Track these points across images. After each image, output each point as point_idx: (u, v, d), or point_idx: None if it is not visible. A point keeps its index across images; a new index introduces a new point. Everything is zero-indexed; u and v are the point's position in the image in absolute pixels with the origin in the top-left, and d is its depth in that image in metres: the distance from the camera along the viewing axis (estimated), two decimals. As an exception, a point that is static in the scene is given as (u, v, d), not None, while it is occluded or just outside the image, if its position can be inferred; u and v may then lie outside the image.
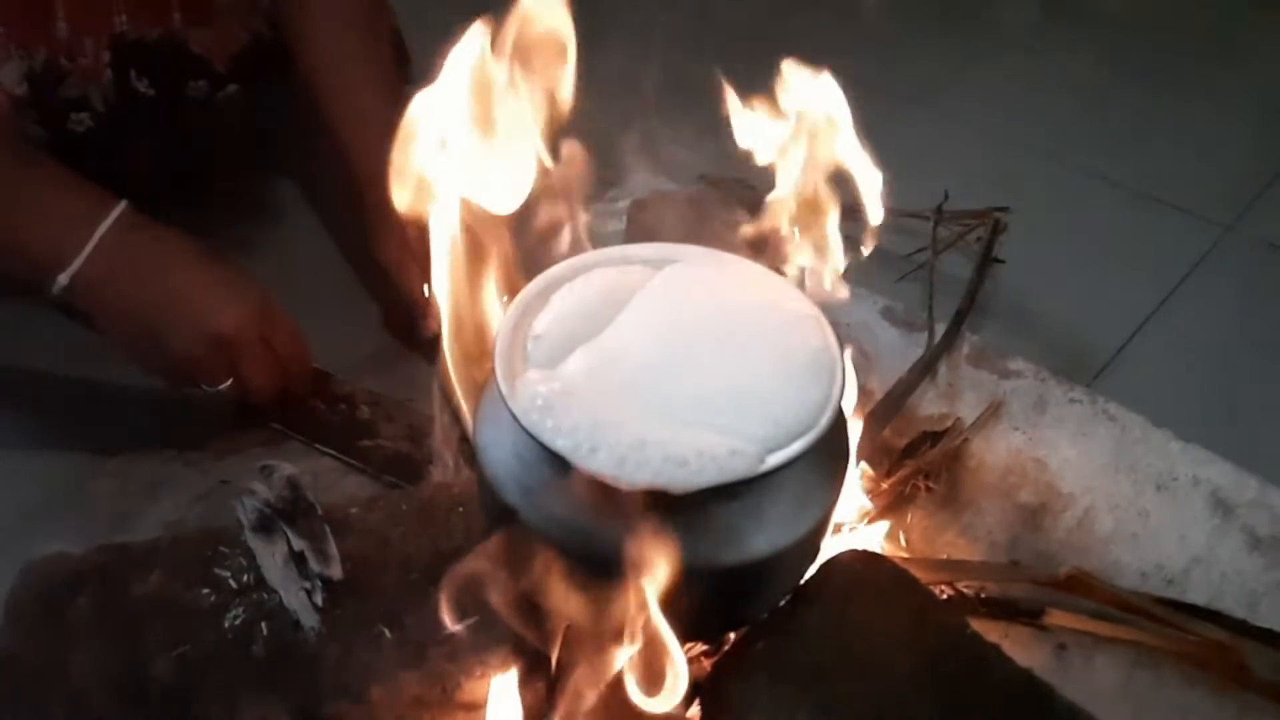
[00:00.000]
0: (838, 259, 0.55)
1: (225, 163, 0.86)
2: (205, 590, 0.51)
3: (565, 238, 0.55)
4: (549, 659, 0.48)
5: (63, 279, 0.60)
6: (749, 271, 0.51)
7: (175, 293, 0.62)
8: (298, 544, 0.52)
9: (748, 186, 0.92)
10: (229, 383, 0.64)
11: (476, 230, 0.52)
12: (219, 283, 0.63)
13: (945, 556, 0.64)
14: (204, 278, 0.63)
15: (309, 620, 0.50)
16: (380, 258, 0.75)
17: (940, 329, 0.75)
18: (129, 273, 0.61)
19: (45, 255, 0.60)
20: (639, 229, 0.80)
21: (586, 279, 0.50)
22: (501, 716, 0.48)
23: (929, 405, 0.72)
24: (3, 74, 0.68)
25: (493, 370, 0.45)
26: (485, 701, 0.49)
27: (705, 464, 0.41)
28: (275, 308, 0.65)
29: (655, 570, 0.41)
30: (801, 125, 0.54)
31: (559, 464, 0.41)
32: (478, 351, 0.52)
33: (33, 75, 0.69)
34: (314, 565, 0.51)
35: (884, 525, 0.63)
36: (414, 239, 0.72)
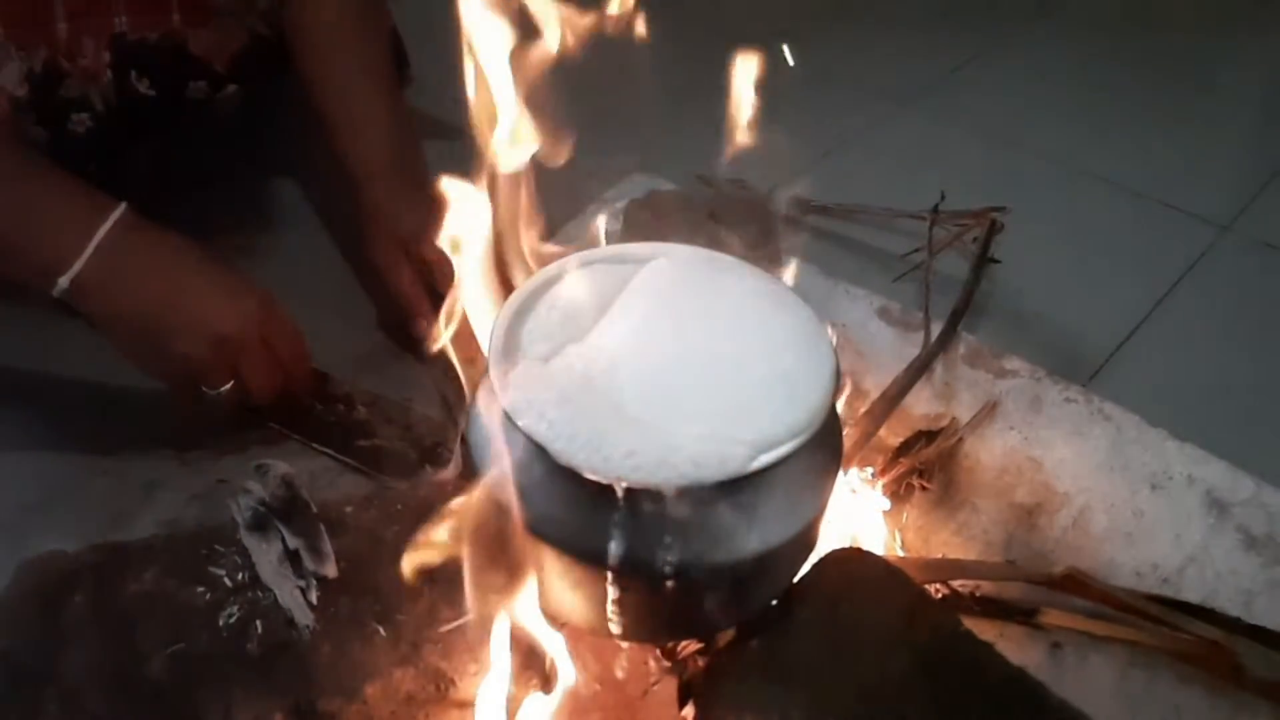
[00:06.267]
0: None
1: (225, 163, 0.86)
2: (200, 588, 0.51)
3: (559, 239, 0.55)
4: (543, 655, 0.49)
5: (63, 282, 0.60)
6: (742, 270, 0.51)
7: (175, 295, 0.62)
8: (292, 542, 0.52)
9: (744, 187, 0.92)
10: (230, 385, 0.64)
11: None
12: (219, 284, 0.64)
13: (940, 555, 0.64)
14: (204, 279, 0.63)
15: (303, 618, 0.50)
16: (373, 258, 0.75)
17: (936, 329, 0.75)
18: (129, 275, 0.61)
19: (45, 258, 0.60)
20: (636, 228, 0.80)
21: (582, 278, 0.50)
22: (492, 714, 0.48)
23: (925, 405, 0.72)
24: (3, 75, 0.68)
25: (486, 368, 0.45)
26: (478, 699, 0.50)
27: (697, 463, 0.42)
28: (276, 308, 0.66)
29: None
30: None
31: (552, 462, 0.42)
32: (473, 350, 0.52)
33: (33, 76, 0.69)
34: (308, 563, 0.51)
35: (878, 523, 0.63)
36: (409, 242, 0.73)
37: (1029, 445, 0.69)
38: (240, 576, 0.51)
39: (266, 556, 0.52)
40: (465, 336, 0.52)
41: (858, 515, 0.63)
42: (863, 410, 0.68)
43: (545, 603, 0.46)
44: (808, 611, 0.49)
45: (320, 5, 0.77)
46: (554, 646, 0.46)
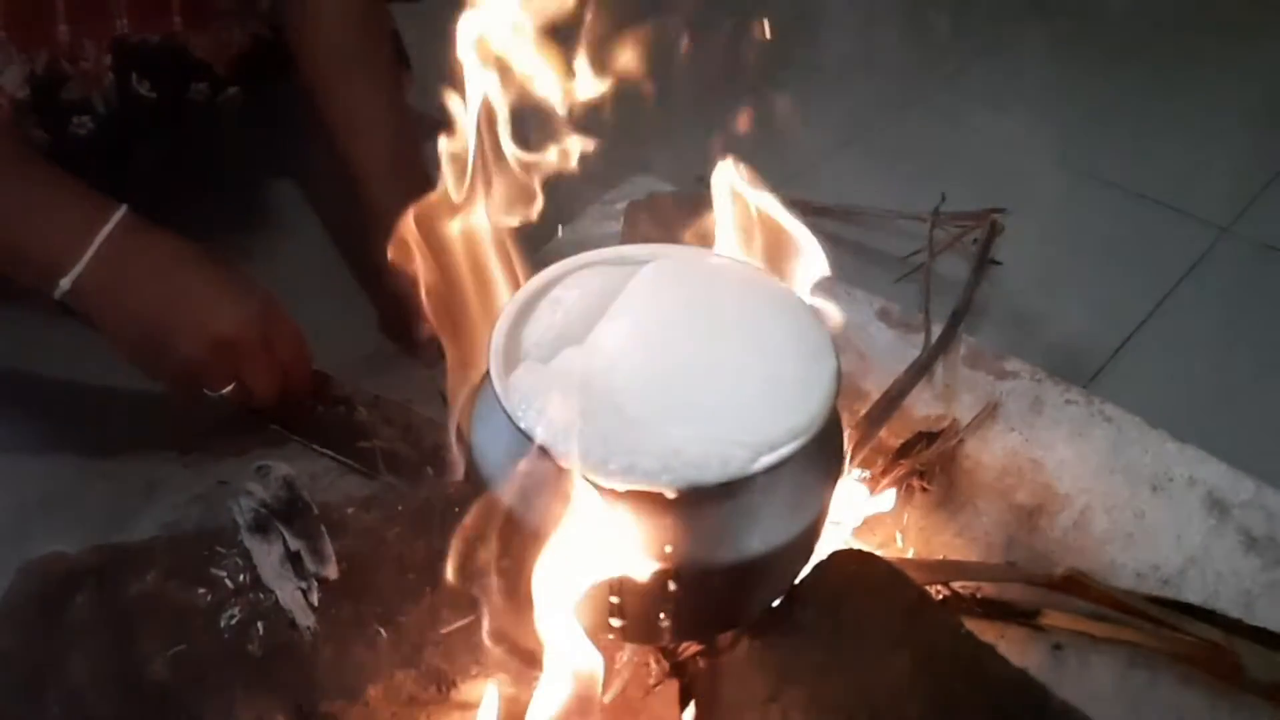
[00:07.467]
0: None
1: (226, 165, 0.86)
2: (201, 590, 0.51)
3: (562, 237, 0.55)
4: (543, 657, 0.48)
5: (65, 284, 0.60)
6: (743, 271, 0.51)
7: (177, 297, 0.62)
8: (294, 544, 0.52)
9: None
10: (231, 386, 0.64)
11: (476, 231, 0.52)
12: (221, 286, 0.64)
13: (941, 557, 0.64)
14: (206, 281, 0.63)
15: (304, 620, 0.50)
16: (376, 260, 0.75)
17: (937, 330, 0.75)
18: (131, 277, 0.61)
19: (47, 261, 0.60)
20: (636, 230, 0.80)
21: (582, 279, 0.50)
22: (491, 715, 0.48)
23: (925, 406, 0.72)
24: (4, 78, 0.68)
25: (488, 370, 0.45)
26: (480, 700, 0.50)
27: (698, 464, 0.41)
28: (277, 310, 0.66)
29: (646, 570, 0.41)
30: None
31: (553, 464, 0.42)
32: (474, 352, 0.52)
33: (34, 78, 0.69)
34: (310, 565, 0.51)
35: (880, 524, 0.63)
36: (411, 242, 0.73)
37: (1030, 447, 0.69)
38: (241, 578, 0.52)
39: (268, 558, 0.52)
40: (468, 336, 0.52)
41: (859, 517, 0.63)
42: (863, 412, 0.68)
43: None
44: (809, 613, 0.49)
45: (322, 7, 0.77)
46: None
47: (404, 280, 0.73)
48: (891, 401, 0.69)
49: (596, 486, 0.41)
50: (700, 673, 0.52)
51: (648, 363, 0.45)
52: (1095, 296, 0.90)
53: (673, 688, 0.52)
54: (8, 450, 0.67)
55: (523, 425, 0.42)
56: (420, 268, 0.52)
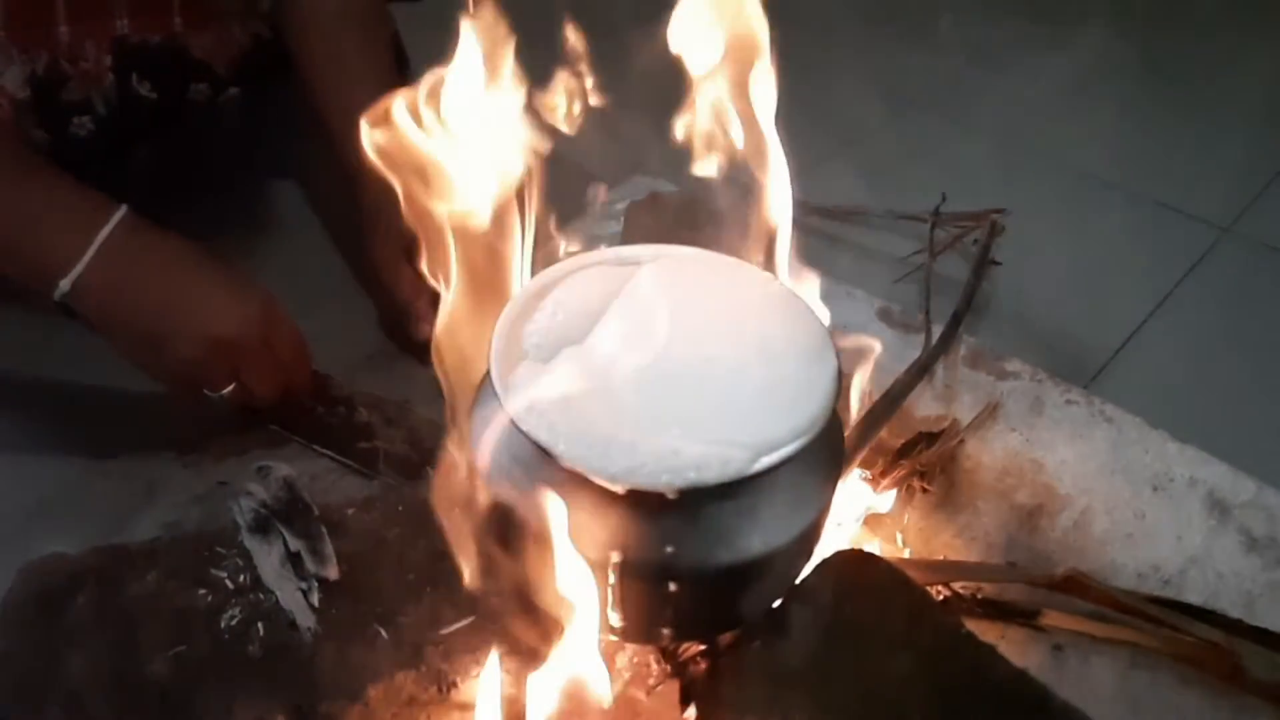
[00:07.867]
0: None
1: (226, 165, 0.86)
2: (202, 591, 0.51)
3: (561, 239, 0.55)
4: (545, 657, 0.48)
5: (64, 284, 0.60)
6: (743, 272, 0.51)
7: (177, 297, 0.62)
8: (294, 544, 0.52)
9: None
10: (231, 387, 0.64)
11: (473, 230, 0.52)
12: (221, 286, 0.64)
13: (942, 557, 0.64)
14: (206, 281, 0.63)
15: (305, 620, 0.50)
16: (374, 259, 0.75)
17: (937, 330, 0.75)
18: (131, 278, 0.61)
19: (47, 261, 0.60)
20: (636, 230, 0.80)
21: (583, 279, 0.50)
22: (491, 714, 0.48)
23: (926, 406, 0.72)
24: (5, 78, 0.68)
25: (488, 370, 0.45)
26: (480, 701, 0.50)
27: (698, 464, 0.42)
28: (277, 311, 0.66)
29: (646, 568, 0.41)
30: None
31: (554, 464, 0.42)
32: (474, 352, 0.52)
33: (35, 79, 0.69)
34: (310, 566, 0.51)
35: (880, 521, 0.63)
36: (409, 241, 0.73)
37: (1030, 447, 0.69)
38: (242, 579, 0.52)
39: (268, 558, 0.52)
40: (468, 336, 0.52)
41: (859, 517, 0.63)
42: (864, 412, 0.68)
43: (546, 602, 0.46)
44: (809, 613, 0.49)
45: (321, 7, 0.77)
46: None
47: (400, 278, 0.73)
48: (892, 402, 0.69)
49: (598, 487, 0.41)
50: (700, 673, 0.52)
51: (648, 363, 0.45)
52: (1096, 297, 0.90)
53: (673, 688, 0.52)
54: (8, 450, 0.67)
55: (523, 425, 0.42)
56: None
